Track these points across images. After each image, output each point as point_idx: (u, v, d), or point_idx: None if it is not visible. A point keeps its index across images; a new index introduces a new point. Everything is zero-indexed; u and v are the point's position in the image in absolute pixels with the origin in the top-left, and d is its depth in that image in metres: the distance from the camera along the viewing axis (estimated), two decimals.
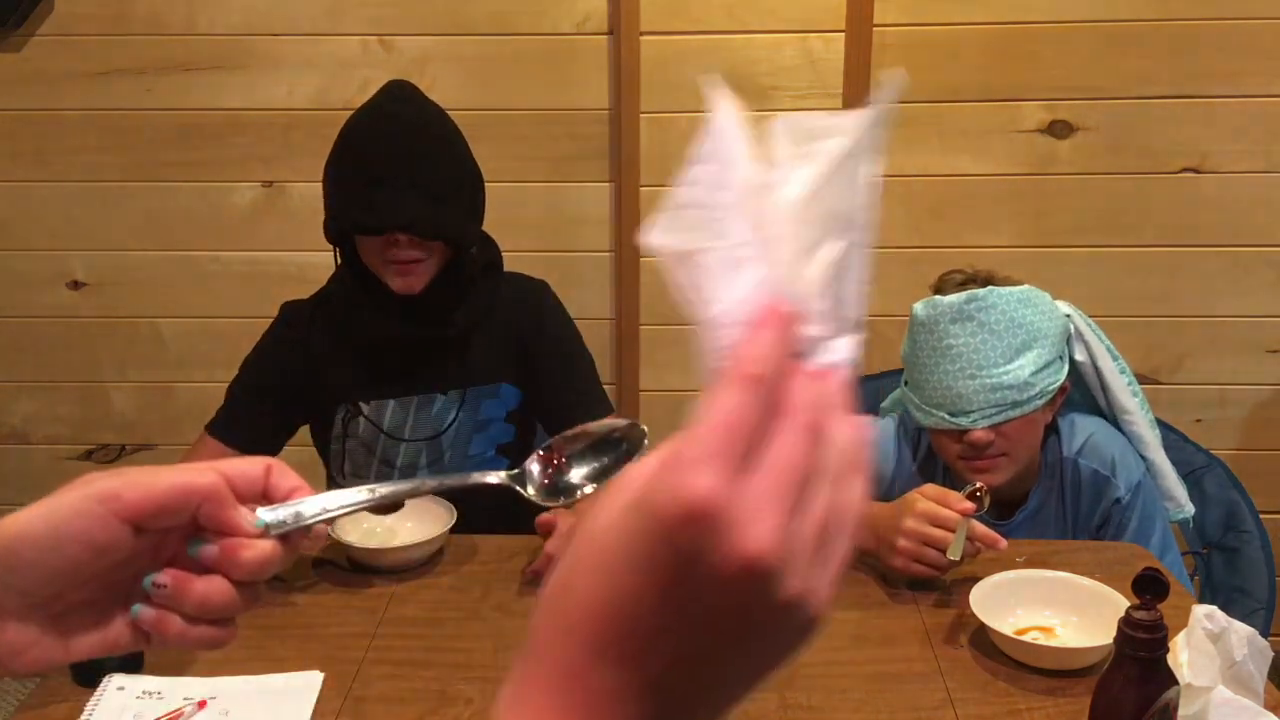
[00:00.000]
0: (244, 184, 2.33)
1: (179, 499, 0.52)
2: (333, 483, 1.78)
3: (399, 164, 1.55)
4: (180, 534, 0.53)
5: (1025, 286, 1.56)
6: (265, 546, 0.53)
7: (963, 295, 1.51)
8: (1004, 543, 1.37)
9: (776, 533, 0.36)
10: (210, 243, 2.36)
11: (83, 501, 0.51)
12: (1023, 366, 1.50)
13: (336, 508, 0.55)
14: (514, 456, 1.78)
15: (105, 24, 2.25)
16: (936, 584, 1.42)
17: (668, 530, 0.36)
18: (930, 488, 1.43)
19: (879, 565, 1.49)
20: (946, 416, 1.53)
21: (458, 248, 1.63)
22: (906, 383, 1.63)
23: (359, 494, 0.56)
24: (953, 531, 1.36)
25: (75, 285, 2.40)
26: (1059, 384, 1.55)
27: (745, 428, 0.37)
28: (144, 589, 0.53)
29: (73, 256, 2.39)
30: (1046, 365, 1.53)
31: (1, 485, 2.52)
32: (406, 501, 1.62)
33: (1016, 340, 1.51)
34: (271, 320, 1.75)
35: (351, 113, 1.63)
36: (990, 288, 1.52)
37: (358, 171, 1.57)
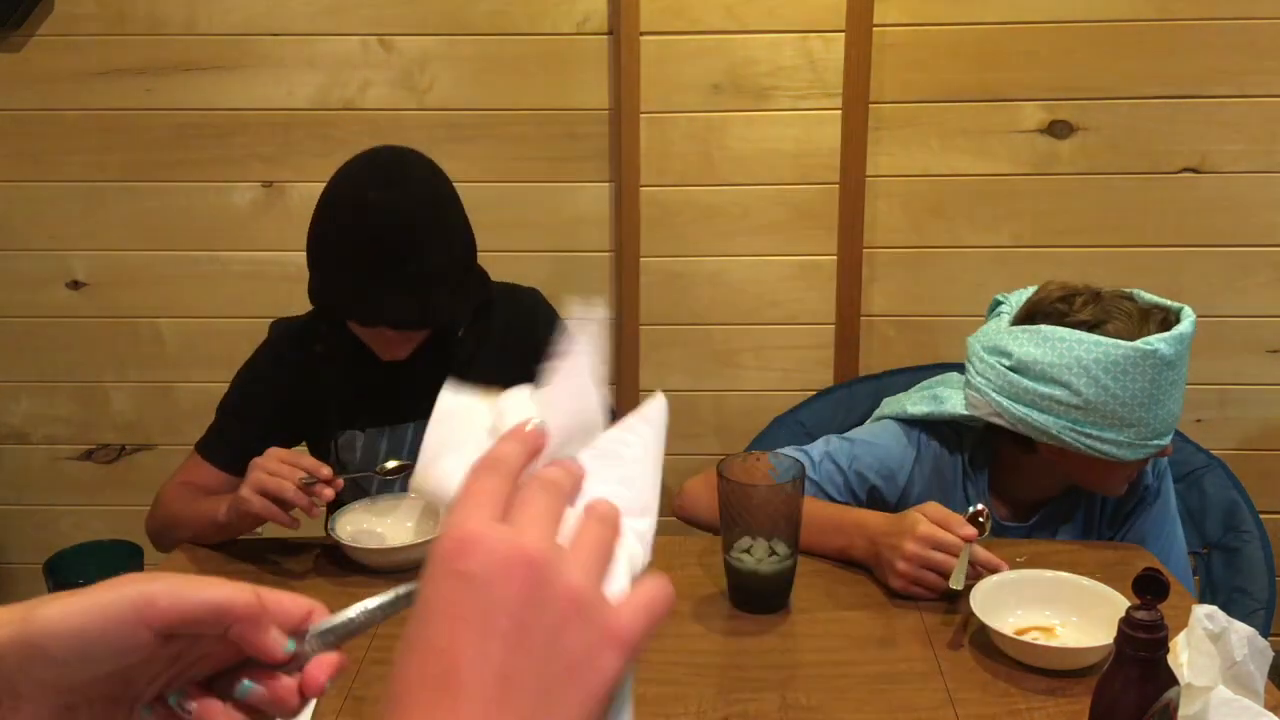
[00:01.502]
0: (244, 184, 2.33)
1: (212, 616, 0.52)
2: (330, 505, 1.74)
3: (385, 261, 1.49)
4: (203, 644, 0.54)
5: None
6: (306, 703, 0.54)
7: (1188, 322, 1.47)
8: (1006, 566, 1.37)
9: (543, 537, 0.45)
10: (210, 243, 2.36)
11: (113, 605, 0.51)
12: None
13: (362, 614, 0.56)
14: None
15: (105, 24, 2.25)
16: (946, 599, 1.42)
17: (450, 562, 0.44)
18: (932, 508, 1.41)
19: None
20: (1155, 443, 1.48)
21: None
22: (1077, 425, 1.47)
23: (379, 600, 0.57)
24: (954, 555, 1.36)
25: (75, 285, 2.40)
26: None
27: (496, 495, 0.47)
28: (169, 703, 0.53)
29: (72, 256, 2.39)
30: None
31: (1, 485, 2.53)
32: (407, 502, 1.62)
33: None
34: (263, 341, 1.71)
35: (337, 176, 1.55)
36: (1179, 305, 1.50)
37: (341, 262, 1.51)
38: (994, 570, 1.36)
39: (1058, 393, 1.47)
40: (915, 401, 1.71)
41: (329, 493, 1.43)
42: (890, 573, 1.41)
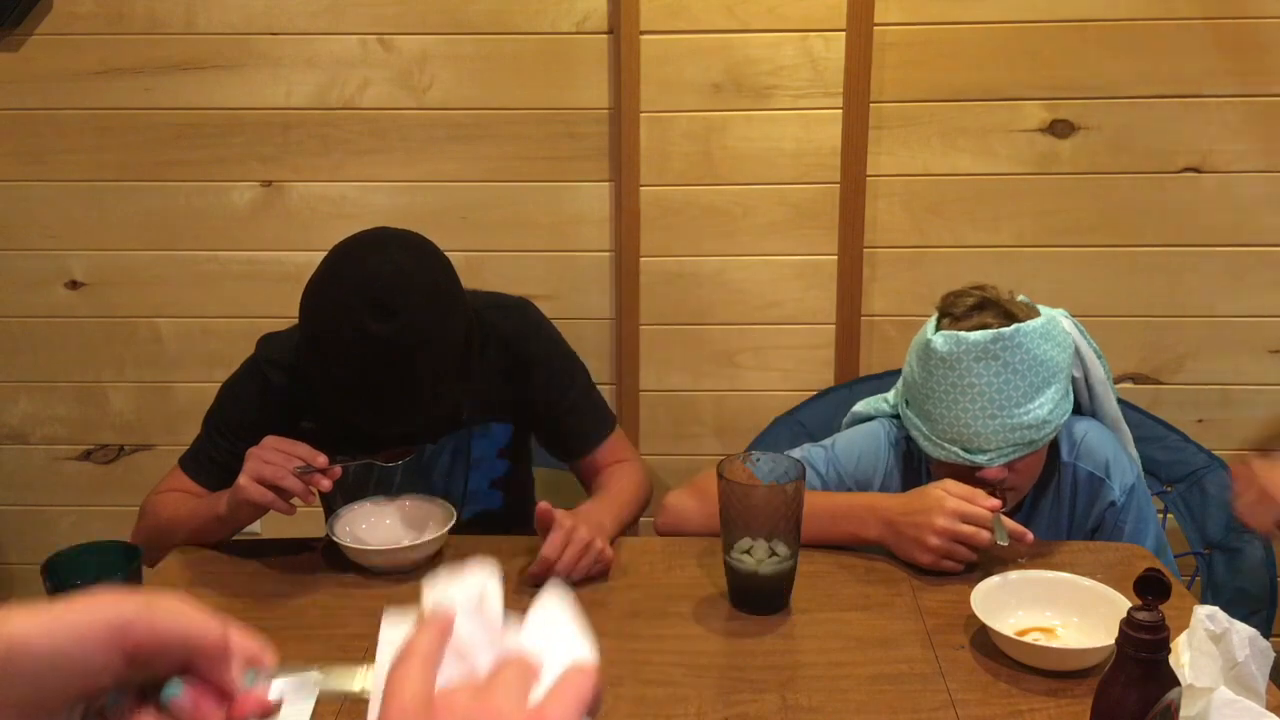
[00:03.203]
0: (243, 184, 2.33)
1: (181, 646, 0.54)
2: (328, 506, 1.73)
3: (390, 387, 1.45)
4: (160, 662, 0.55)
5: (1044, 318, 1.52)
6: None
7: (989, 335, 1.47)
8: (1031, 536, 1.42)
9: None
10: (209, 243, 2.36)
11: (90, 627, 0.52)
12: (1042, 405, 1.49)
13: (314, 679, 0.62)
14: (508, 490, 1.75)
15: (104, 24, 2.25)
16: (965, 570, 1.46)
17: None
18: (952, 483, 1.45)
19: (884, 556, 1.49)
20: (960, 452, 1.51)
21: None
22: (908, 404, 1.60)
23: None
24: (984, 527, 1.41)
25: (73, 285, 2.40)
26: (1068, 414, 1.55)
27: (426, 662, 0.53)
28: (106, 704, 0.54)
29: (71, 256, 2.38)
30: (1061, 399, 1.52)
31: (0, 485, 2.52)
32: (407, 502, 1.62)
33: (1037, 379, 1.49)
34: (251, 357, 1.67)
35: (337, 273, 1.46)
36: (1016, 327, 1.48)
37: (344, 384, 1.46)
38: (1020, 538, 1.41)
39: (904, 368, 1.63)
40: (868, 402, 1.77)
41: (326, 483, 1.43)
42: (919, 549, 1.44)
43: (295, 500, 1.44)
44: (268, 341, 1.68)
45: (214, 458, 1.63)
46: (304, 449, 1.44)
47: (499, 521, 1.74)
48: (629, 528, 1.64)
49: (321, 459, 1.43)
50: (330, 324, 1.44)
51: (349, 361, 1.44)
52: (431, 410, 1.51)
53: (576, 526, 1.44)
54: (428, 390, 1.48)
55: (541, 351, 1.70)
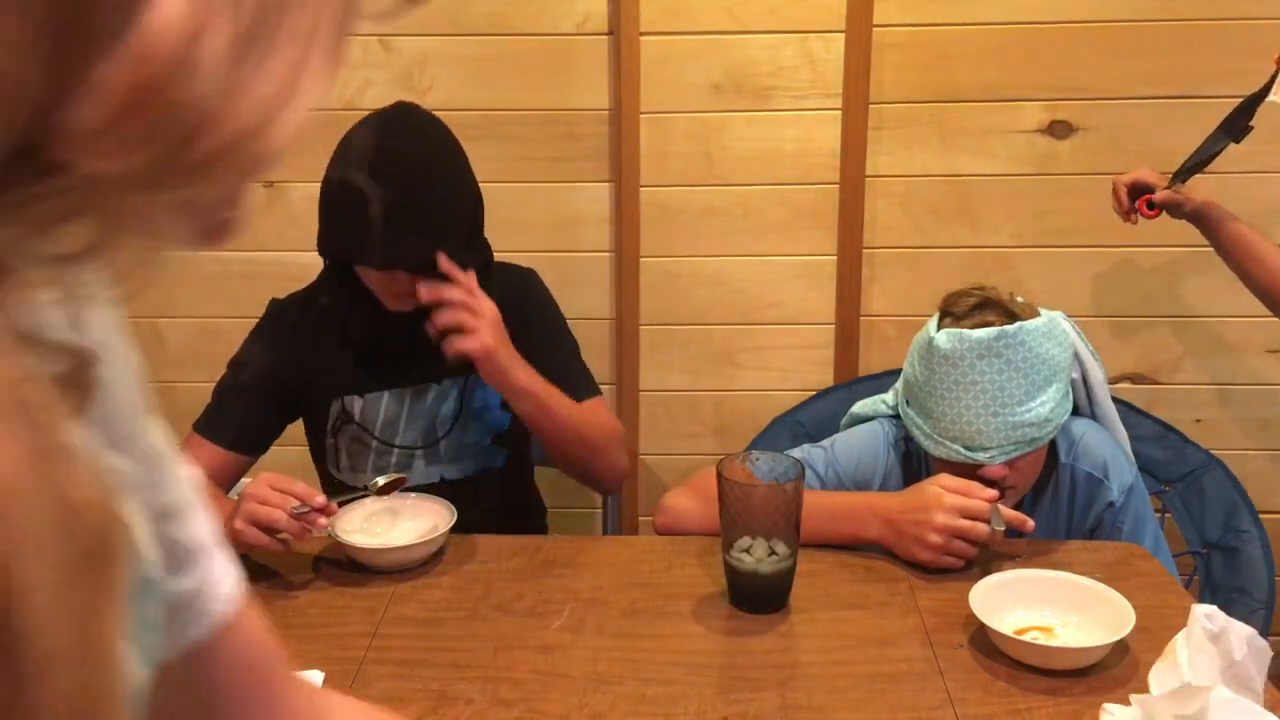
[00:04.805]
0: None
1: None
2: (327, 477, 1.77)
3: (401, 206, 1.53)
4: None
5: (1045, 318, 1.54)
6: None
7: (992, 332, 1.48)
8: (1031, 523, 1.43)
9: None
10: None
11: None
12: (1044, 403, 1.50)
13: None
14: (510, 445, 1.78)
15: None
16: (966, 569, 1.46)
17: None
18: (947, 479, 1.46)
19: (883, 555, 1.50)
20: (962, 450, 1.52)
21: None
22: (909, 402, 1.61)
23: None
24: (983, 521, 1.42)
25: None
26: (1068, 414, 1.56)
27: None
28: None
29: None
30: (1062, 398, 1.53)
31: None
32: (407, 501, 1.62)
33: (1039, 377, 1.50)
34: (260, 319, 1.75)
35: (353, 127, 1.62)
36: (1019, 324, 1.50)
37: (357, 207, 1.56)
38: (1020, 526, 1.43)
39: (905, 368, 1.64)
40: (866, 403, 1.78)
41: (323, 521, 1.42)
42: (919, 547, 1.45)
43: (285, 536, 1.43)
44: (276, 300, 1.77)
45: (231, 417, 1.67)
46: (300, 487, 1.42)
47: (500, 489, 1.76)
48: (561, 435, 1.66)
49: (319, 498, 1.42)
50: (355, 145, 1.57)
51: (369, 176, 1.55)
52: (442, 250, 1.56)
53: (481, 302, 1.56)
54: (437, 214, 1.56)
55: (540, 309, 1.80)
